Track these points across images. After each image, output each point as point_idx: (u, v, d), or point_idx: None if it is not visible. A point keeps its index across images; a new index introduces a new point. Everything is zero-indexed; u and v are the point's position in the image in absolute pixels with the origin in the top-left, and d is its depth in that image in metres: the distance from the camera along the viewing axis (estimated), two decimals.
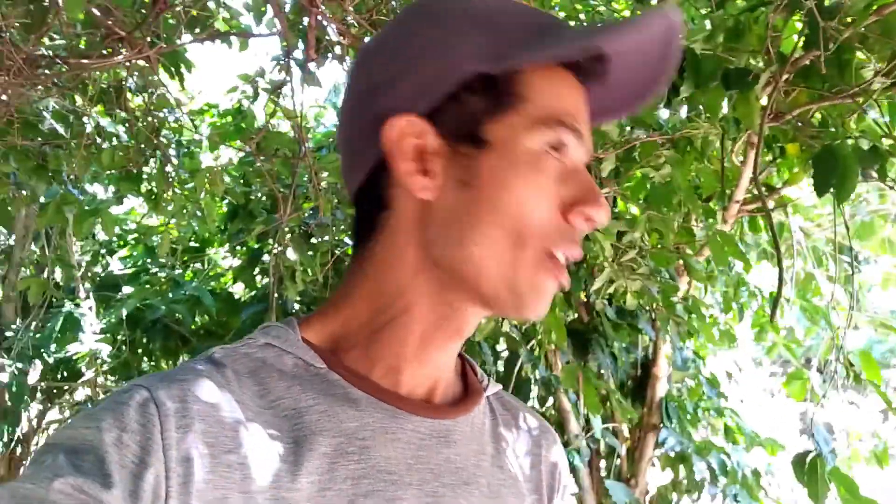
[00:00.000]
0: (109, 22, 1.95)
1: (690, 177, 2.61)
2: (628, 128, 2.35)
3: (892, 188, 2.02)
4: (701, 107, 2.09)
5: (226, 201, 3.42)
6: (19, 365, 3.45)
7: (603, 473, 3.52)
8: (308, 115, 3.35)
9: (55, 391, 4.16)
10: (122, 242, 4.31)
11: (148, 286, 3.71)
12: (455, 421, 0.71)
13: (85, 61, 2.01)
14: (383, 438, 0.65)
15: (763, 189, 2.78)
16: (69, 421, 0.60)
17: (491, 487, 0.71)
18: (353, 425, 0.64)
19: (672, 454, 3.41)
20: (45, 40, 2.63)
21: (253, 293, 3.73)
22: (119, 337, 3.70)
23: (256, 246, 3.66)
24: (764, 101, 2.18)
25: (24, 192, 2.73)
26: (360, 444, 0.64)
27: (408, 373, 0.69)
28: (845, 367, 2.47)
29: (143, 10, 2.15)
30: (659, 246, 2.31)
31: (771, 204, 2.49)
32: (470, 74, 0.65)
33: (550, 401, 3.36)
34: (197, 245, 4.30)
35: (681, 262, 2.43)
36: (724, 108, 2.22)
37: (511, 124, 0.64)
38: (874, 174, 1.90)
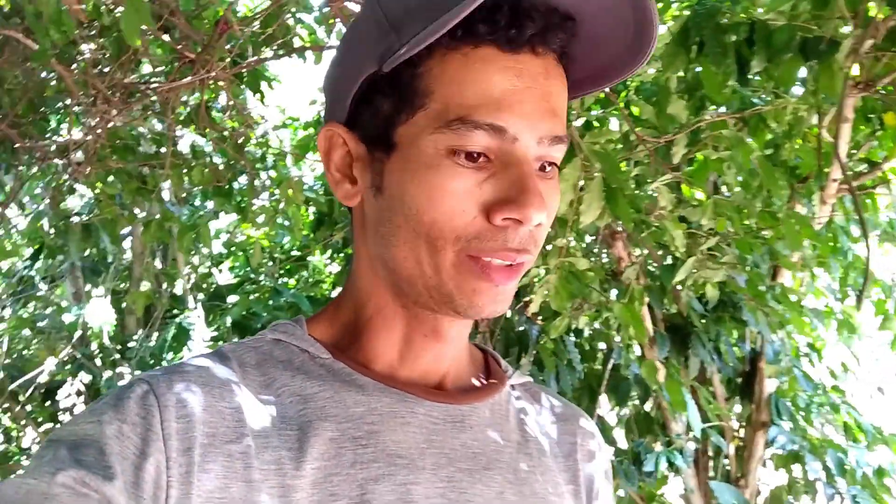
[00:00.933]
0: (180, 47, 2.06)
1: (786, 156, 2.45)
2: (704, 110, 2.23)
3: None
4: (776, 83, 1.95)
5: (311, 210, 3.53)
6: (139, 371, 3.70)
7: (711, 474, 3.36)
8: None
9: None
10: (229, 254, 4.54)
11: (251, 295, 3.89)
12: (471, 406, 0.69)
13: (162, 84, 2.13)
14: (393, 423, 0.64)
15: (864, 165, 2.56)
16: (72, 417, 0.61)
17: (517, 474, 0.68)
18: (361, 409, 0.63)
19: (784, 453, 3.20)
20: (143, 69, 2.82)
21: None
22: None
23: (351, 251, 3.76)
24: (856, 71, 2.02)
25: (126, 213, 2.93)
26: (368, 429, 0.63)
27: (404, 369, 0.68)
28: None
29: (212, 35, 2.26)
30: (747, 231, 2.17)
31: (871, 181, 2.29)
32: (371, 76, 0.63)
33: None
34: (299, 253, 4.47)
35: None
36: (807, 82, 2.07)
37: (417, 125, 0.61)
38: None
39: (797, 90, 2.24)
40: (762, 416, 3.30)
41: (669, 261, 2.78)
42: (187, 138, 2.98)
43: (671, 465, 2.89)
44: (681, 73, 2.10)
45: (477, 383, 0.74)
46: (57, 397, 4.29)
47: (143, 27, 1.53)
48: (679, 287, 2.69)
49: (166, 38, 2.04)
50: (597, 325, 3.09)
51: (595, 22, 0.62)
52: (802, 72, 2.03)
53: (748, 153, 1.76)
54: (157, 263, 4.48)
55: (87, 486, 0.52)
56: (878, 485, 3.07)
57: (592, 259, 2.98)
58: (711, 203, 1.87)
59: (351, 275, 0.72)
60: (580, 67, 0.66)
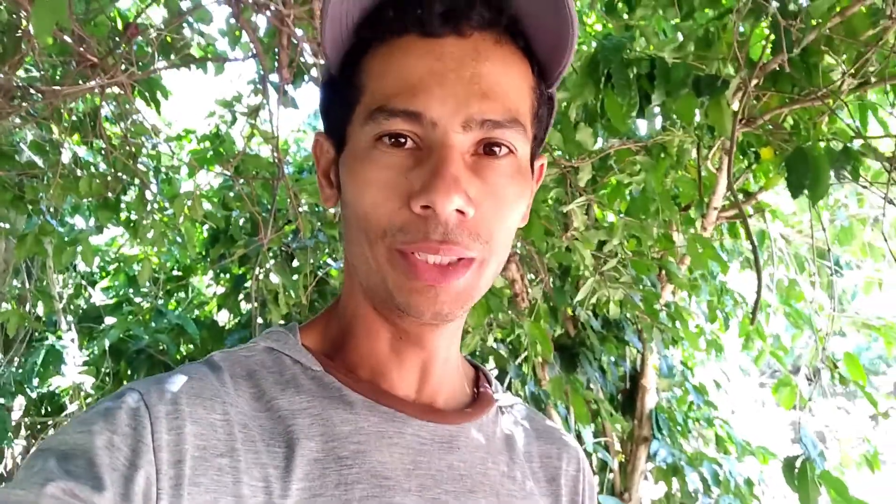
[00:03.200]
0: (82, 49, 1.94)
1: (668, 186, 2.63)
2: (603, 139, 2.37)
3: (865, 188, 2.04)
4: (674, 115, 2.11)
5: (206, 227, 3.41)
6: (1, 400, 3.39)
7: (597, 489, 3.50)
8: (288, 139, 3.36)
9: (39, 426, 4.10)
10: (103, 273, 4.27)
11: (130, 316, 3.67)
12: (460, 427, 0.69)
13: (59, 88, 2.00)
14: (379, 443, 0.63)
15: (740, 195, 2.80)
16: (61, 426, 0.59)
17: (500, 497, 0.68)
18: (347, 429, 0.63)
19: (664, 466, 3.39)
20: (21, 72, 2.63)
21: (237, 320, 3.70)
22: (103, 369, 3.65)
23: (240, 272, 3.65)
24: (735, 106, 2.21)
25: (1, 224, 2.71)
26: (353, 449, 0.62)
27: (392, 375, 0.67)
28: (830, 368, 2.47)
29: (117, 38, 2.16)
30: (639, 254, 2.31)
31: (749, 210, 2.51)
32: (329, 81, 0.66)
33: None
34: (179, 273, 4.28)
35: (663, 271, 2.44)
36: (697, 115, 2.24)
37: (354, 121, 0.62)
38: (847, 175, 1.92)
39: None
40: (644, 431, 3.48)
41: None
42: (70, 148, 2.80)
43: None
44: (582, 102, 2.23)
45: (466, 401, 0.74)
46: None
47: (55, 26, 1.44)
48: (575, 307, 2.82)
49: (68, 39, 1.93)
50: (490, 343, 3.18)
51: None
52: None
53: (660, 178, 1.88)
54: (16, 282, 4.14)
55: (77, 497, 0.50)
56: (749, 493, 3.32)
57: None
58: (622, 224, 1.99)
59: (342, 283, 0.74)
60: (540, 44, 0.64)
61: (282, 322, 3.16)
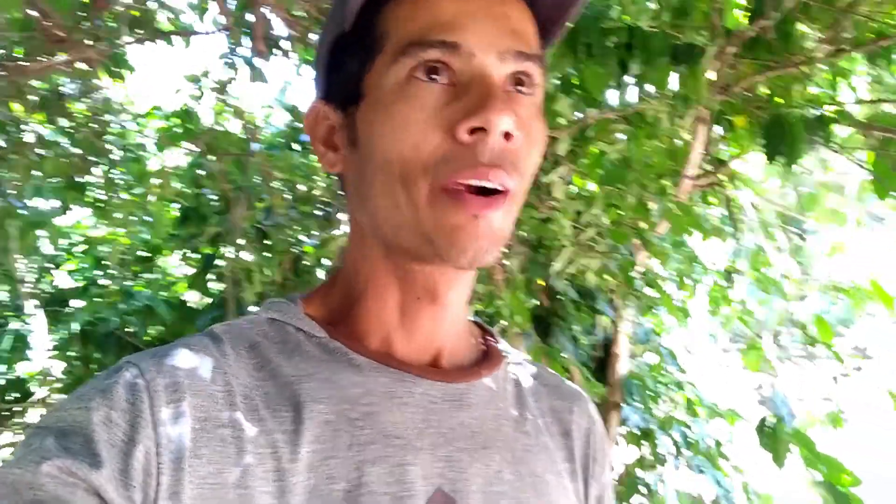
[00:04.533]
0: (47, 24, 1.88)
1: (644, 154, 2.65)
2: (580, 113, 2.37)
3: (836, 152, 2.08)
4: (651, 84, 2.13)
5: (176, 206, 3.34)
6: None
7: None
8: (259, 115, 3.30)
9: (6, 413, 4.01)
10: (69, 256, 4.17)
11: (99, 299, 3.60)
12: (469, 385, 0.68)
13: (25, 65, 1.93)
14: (390, 403, 0.63)
15: (714, 164, 2.84)
16: (59, 402, 0.58)
17: (514, 452, 0.67)
18: (357, 391, 0.62)
19: (636, 431, 3.46)
20: None
21: (210, 301, 3.64)
22: (71, 353, 3.58)
23: (210, 251, 3.59)
24: (712, 76, 2.24)
25: None
26: (364, 410, 0.61)
27: (400, 343, 0.67)
28: (799, 328, 2.54)
29: (83, 12, 2.09)
30: (617, 223, 2.34)
31: (724, 178, 2.55)
32: (337, 40, 0.65)
33: None
34: (148, 254, 4.19)
35: (636, 240, 2.47)
36: (675, 85, 2.26)
37: (378, 69, 0.62)
38: (821, 140, 1.96)
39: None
40: (615, 397, 3.55)
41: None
42: (31, 127, 2.71)
43: None
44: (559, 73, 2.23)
45: (476, 358, 0.74)
46: None
47: None
48: (549, 277, 2.84)
49: (32, 13, 1.86)
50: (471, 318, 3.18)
51: None
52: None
53: (641, 147, 1.90)
54: None
55: (74, 475, 0.50)
56: (717, 454, 3.41)
57: None
58: (602, 194, 2.00)
59: (346, 249, 0.72)
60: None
61: (255, 300, 3.13)
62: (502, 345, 0.77)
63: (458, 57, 0.58)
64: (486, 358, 0.74)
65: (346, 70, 0.65)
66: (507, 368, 0.75)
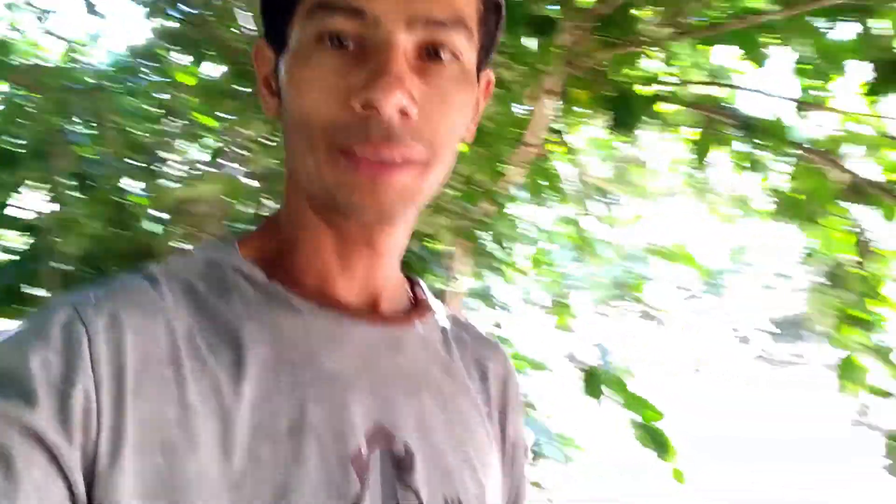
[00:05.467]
0: None
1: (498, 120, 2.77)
2: None
3: (663, 129, 2.34)
4: (508, 52, 2.24)
5: None
6: None
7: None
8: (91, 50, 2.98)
9: None
10: None
11: None
12: (404, 330, 0.71)
13: None
14: (330, 345, 0.64)
15: (550, 134, 3.05)
16: None
17: (443, 395, 0.71)
18: (297, 334, 0.63)
19: None
20: None
21: (18, 256, 3.26)
22: None
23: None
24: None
25: None
26: (304, 351, 0.63)
27: (338, 286, 0.68)
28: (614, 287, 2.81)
29: None
30: (469, 183, 2.44)
31: (563, 148, 2.74)
32: None
33: None
34: None
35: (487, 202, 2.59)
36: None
37: (297, 20, 0.61)
38: (656, 116, 2.19)
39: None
40: None
41: None
42: None
43: None
44: None
45: (407, 306, 0.76)
46: None
47: None
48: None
49: None
50: None
51: None
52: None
53: (508, 110, 2.00)
54: None
55: (6, 416, 0.50)
56: (527, 404, 3.71)
57: None
58: (469, 153, 2.08)
59: (283, 194, 0.71)
60: None
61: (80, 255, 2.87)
62: (429, 296, 0.80)
63: (363, 24, 0.57)
64: (417, 305, 0.76)
65: (273, 13, 0.64)
66: (435, 318, 0.78)
